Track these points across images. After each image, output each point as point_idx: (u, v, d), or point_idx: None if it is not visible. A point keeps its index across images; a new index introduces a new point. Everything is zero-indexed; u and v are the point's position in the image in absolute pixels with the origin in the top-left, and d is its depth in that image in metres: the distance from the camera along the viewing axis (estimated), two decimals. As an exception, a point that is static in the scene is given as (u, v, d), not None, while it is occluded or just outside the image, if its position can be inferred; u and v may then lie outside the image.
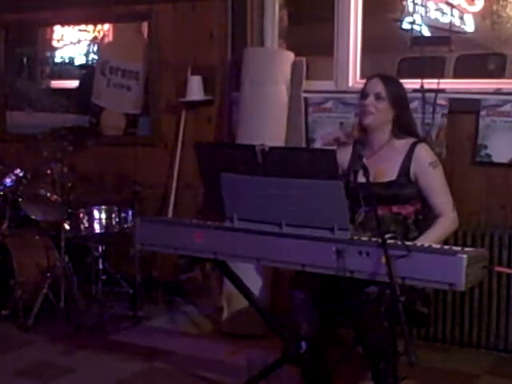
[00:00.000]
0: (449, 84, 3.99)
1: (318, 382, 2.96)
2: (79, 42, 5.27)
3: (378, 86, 2.99)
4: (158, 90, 4.85)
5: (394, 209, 2.94)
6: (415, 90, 3.93)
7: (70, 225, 4.28)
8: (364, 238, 2.61)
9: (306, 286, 2.86)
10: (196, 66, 4.64)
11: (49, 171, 4.42)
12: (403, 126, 3.04)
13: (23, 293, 4.16)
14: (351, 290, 2.66)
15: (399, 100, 3.02)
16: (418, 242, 2.71)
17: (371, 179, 2.68)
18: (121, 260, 4.62)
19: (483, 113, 3.81)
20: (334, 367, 2.96)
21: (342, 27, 4.25)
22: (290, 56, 4.27)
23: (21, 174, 4.50)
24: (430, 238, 2.83)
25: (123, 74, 5.02)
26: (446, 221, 2.95)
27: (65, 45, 5.34)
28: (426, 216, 3.03)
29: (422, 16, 4.11)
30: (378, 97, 2.98)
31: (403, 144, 3.00)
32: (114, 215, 4.35)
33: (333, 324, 3.07)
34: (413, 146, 2.98)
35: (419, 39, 4.03)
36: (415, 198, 2.98)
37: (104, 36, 5.16)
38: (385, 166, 2.92)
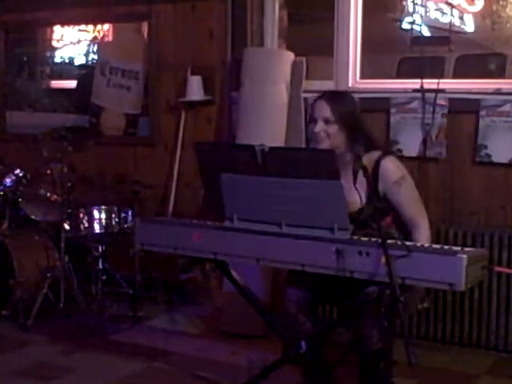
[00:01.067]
0: (449, 84, 3.99)
1: (320, 381, 2.96)
2: (79, 42, 5.27)
3: (325, 110, 2.84)
4: (158, 90, 4.85)
5: (374, 226, 2.75)
6: (415, 90, 3.94)
7: (69, 225, 4.29)
8: (364, 238, 2.61)
9: (301, 283, 2.86)
10: (196, 65, 4.64)
11: (49, 171, 4.43)
12: (361, 142, 2.85)
13: (23, 293, 4.16)
14: (351, 290, 2.67)
15: (349, 119, 2.86)
16: None
17: (359, 180, 2.62)
18: (121, 260, 4.62)
19: (483, 113, 3.80)
20: (333, 367, 2.96)
21: (342, 27, 4.25)
22: (289, 56, 4.27)
23: (21, 174, 4.49)
24: None
25: (123, 74, 5.02)
26: (423, 231, 2.86)
27: (65, 45, 5.34)
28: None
29: (421, 16, 4.11)
30: (326, 121, 2.84)
31: (368, 160, 2.79)
32: (113, 215, 4.35)
33: (332, 323, 3.07)
34: (377, 163, 2.84)
35: (419, 39, 4.03)
36: (389, 208, 2.89)
37: (104, 36, 5.16)
38: (352, 196, 2.72)
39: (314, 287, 2.86)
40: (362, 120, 2.97)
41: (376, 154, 2.86)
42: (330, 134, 2.84)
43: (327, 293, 2.89)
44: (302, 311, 2.87)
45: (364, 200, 2.75)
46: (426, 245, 2.61)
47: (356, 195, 2.71)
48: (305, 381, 3.03)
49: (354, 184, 2.63)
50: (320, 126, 2.84)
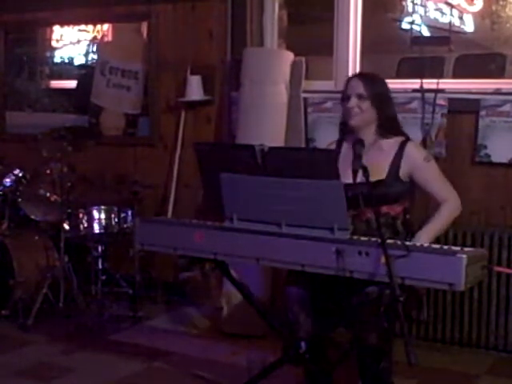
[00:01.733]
0: (448, 84, 3.99)
1: (320, 381, 2.96)
2: (79, 42, 5.27)
3: (359, 87, 2.96)
4: (158, 90, 4.85)
5: (383, 209, 2.89)
6: (415, 90, 3.94)
7: (69, 225, 4.29)
8: (364, 238, 2.61)
9: (300, 282, 2.86)
10: (195, 65, 4.64)
11: (48, 171, 4.43)
12: (388, 123, 3.01)
13: (23, 293, 4.16)
14: (351, 290, 2.67)
15: (381, 97, 2.99)
16: (425, 228, 2.85)
17: (359, 180, 2.67)
18: (120, 260, 4.62)
19: (483, 113, 3.81)
20: (333, 367, 2.96)
21: (342, 27, 4.25)
22: (289, 56, 4.27)
23: (20, 174, 4.50)
24: (432, 229, 2.89)
25: (123, 74, 5.02)
26: (451, 204, 2.97)
27: (64, 45, 5.34)
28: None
29: (421, 16, 4.11)
30: (360, 97, 2.95)
31: (391, 143, 2.97)
32: (113, 215, 4.35)
33: (332, 323, 3.06)
34: (402, 145, 2.96)
35: (419, 39, 4.03)
36: (404, 196, 2.97)
37: (103, 36, 5.17)
38: (373, 166, 2.81)
39: (314, 286, 2.86)
40: (393, 103, 3.09)
41: (400, 139, 3.00)
42: (362, 109, 2.96)
43: (327, 292, 2.89)
44: (303, 310, 2.87)
45: (385, 174, 2.90)
46: (426, 245, 2.61)
47: (378, 163, 2.89)
48: (306, 381, 3.03)
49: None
50: (353, 102, 2.96)
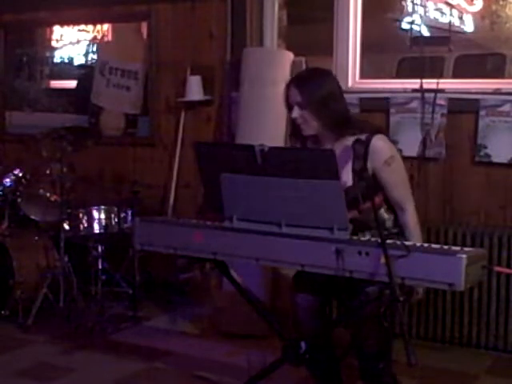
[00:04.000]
0: (448, 84, 4.00)
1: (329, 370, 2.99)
2: (78, 42, 5.28)
3: (296, 96, 2.79)
4: (158, 90, 4.85)
5: (363, 207, 2.78)
6: (415, 90, 3.94)
7: (69, 225, 4.29)
8: (364, 238, 2.61)
9: (309, 288, 2.87)
10: (195, 65, 4.64)
11: (48, 171, 4.43)
12: (340, 123, 2.81)
13: (23, 293, 4.16)
14: (350, 290, 2.67)
15: (321, 101, 2.77)
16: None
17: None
18: (120, 260, 4.62)
19: (483, 113, 3.81)
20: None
21: (342, 27, 4.26)
22: (289, 56, 4.27)
23: (20, 174, 4.50)
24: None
25: (122, 74, 5.02)
26: (409, 214, 2.85)
27: (64, 45, 5.35)
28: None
29: (421, 16, 4.11)
30: (300, 106, 2.79)
31: (352, 143, 2.77)
32: (113, 215, 4.35)
33: (333, 323, 3.07)
34: (367, 142, 2.78)
35: (419, 39, 4.04)
36: (377, 188, 2.83)
37: (103, 36, 5.17)
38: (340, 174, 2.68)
39: (322, 291, 2.86)
40: (341, 100, 2.85)
41: (362, 136, 2.80)
42: (306, 118, 2.81)
43: (332, 293, 2.89)
44: (313, 317, 2.88)
45: (350, 179, 2.77)
46: (426, 245, 2.61)
47: (343, 169, 2.73)
48: (314, 375, 3.04)
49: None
50: (296, 113, 2.81)
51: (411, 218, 2.86)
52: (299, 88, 2.80)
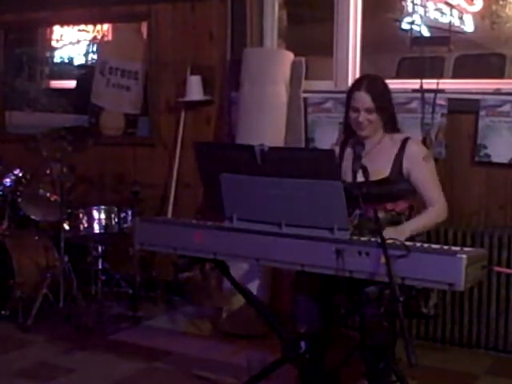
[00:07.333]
0: (448, 84, 3.99)
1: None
2: (78, 42, 5.27)
3: (367, 102, 2.98)
4: (158, 90, 4.85)
5: (388, 206, 2.96)
6: (415, 90, 3.94)
7: (69, 225, 4.29)
8: (363, 238, 2.61)
9: (309, 288, 2.87)
10: (195, 65, 4.64)
11: (48, 171, 4.43)
12: (392, 121, 3.08)
13: (23, 293, 4.16)
14: (351, 290, 2.67)
15: (386, 105, 3.03)
16: (404, 226, 2.84)
17: (360, 179, 2.73)
18: (120, 260, 4.62)
19: (483, 113, 3.81)
20: (337, 368, 2.95)
21: (342, 27, 4.26)
22: (289, 56, 4.27)
23: (20, 174, 4.50)
24: (415, 224, 2.90)
25: (122, 74, 5.02)
26: (435, 211, 2.97)
27: (64, 45, 5.34)
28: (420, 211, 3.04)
29: (421, 16, 4.11)
30: (368, 111, 2.98)
31: (394, 140, 3.03)
32: (113, 215, 4.35)
33: (334, 323, 3.07)
34: (404, 142, 3.01)
35: (419, 39, 4.03)
36: (408, 193, 3.02)
37: (103, 36, 5.16)
38: (377, 165, 2.93)
39: (322, 291, 2.87)
40: (392, 100, 3.12)
41: (401, 136, 3.05)
42: (371, 121, 3.00)
43: (332, 294, 2.90)
44: (312, 319, 2.88)
45: (388, 172, 2.96)
46: (426, 245, 2.61)
47: (382, 162, 2.96)
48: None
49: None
50: (363, 117, 2.99)
51: (434, 213, 2.96)
52: (372, 94, 2.98)
